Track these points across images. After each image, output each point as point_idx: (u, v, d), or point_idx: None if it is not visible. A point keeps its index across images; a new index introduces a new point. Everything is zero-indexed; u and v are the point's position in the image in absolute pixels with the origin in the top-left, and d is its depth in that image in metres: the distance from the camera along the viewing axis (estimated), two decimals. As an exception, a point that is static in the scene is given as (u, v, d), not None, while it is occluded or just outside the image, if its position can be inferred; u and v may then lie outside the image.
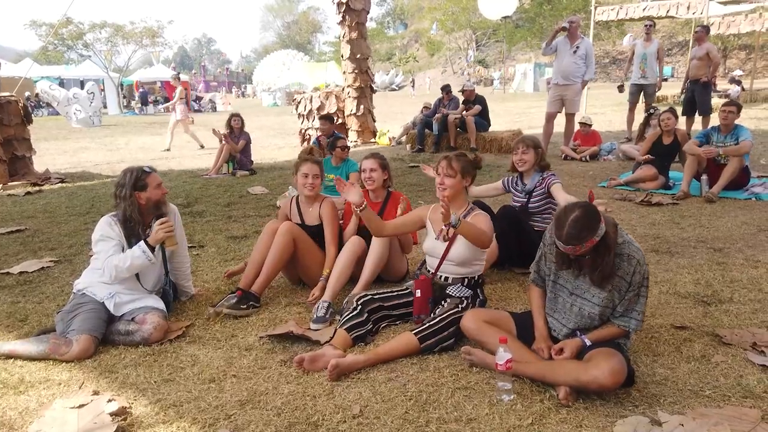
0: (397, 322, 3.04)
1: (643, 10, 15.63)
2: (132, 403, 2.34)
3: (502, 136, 9.73)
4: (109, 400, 2.27)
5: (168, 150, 12.05)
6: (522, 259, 3.61)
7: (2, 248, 4.83)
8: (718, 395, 2.27)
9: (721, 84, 20.68)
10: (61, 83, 27.21)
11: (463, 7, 47.48)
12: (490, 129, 10.19)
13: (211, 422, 2.20)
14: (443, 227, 2.75)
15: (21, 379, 2.58)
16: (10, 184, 7.99)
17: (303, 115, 12.12)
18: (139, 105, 32.19)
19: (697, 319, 2.99)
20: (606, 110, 16.68)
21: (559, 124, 8.75)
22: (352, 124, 11.76)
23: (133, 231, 3.05)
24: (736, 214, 5.12)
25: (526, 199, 3.88)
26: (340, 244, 3.49)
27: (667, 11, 15.27)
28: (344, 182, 2.91)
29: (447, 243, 2.89)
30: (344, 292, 3.35)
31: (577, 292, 2.44)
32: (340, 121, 11.34)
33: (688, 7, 14.83)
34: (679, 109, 8.09)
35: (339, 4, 11.38)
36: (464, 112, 9.81)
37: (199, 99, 34.76)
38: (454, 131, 9.85)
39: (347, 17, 11.34)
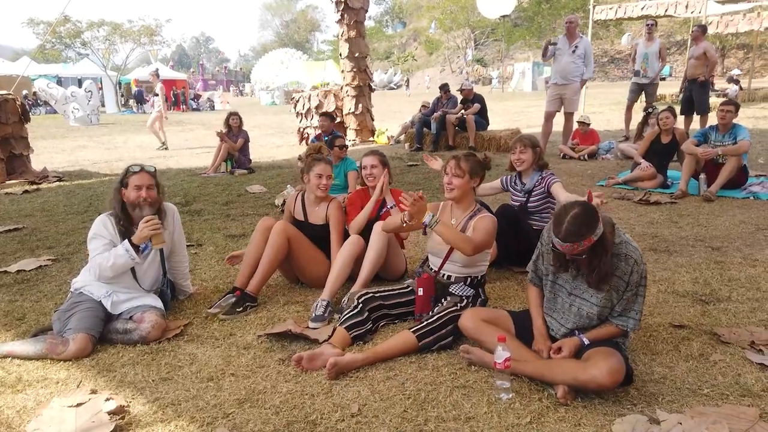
0: (396, 321, 3.03)
1: (642, 9, 15.63)
2: (130, 402, 2.33)
3: (500, 135, 9.72)
4: (107, 399, 2.27)
5: (165, 148, 12.04)
6: (520, 258, 3.61)
7: (0, 247, 4.82)
8: (717, 394, 2.27)
9: (720, 83, 20.71)
10: (59, 82, 27.15)
11: (462, 6, 47.50)
12: (489, 128, 10.19)
13: (209, 421, 2.19)
14: (422, 223, 2.78)
15: (19, 377, 2.57)
16: (7, 182, 7.97)
17: (301, 114, 12.11)
18: (135, 104, 32.11)
19: (695, 318, 2.99)
20: (604, 109, 16.70)
21: (558, 123, 8.76)
22: (351, 122, 11.75)
23: (128, 230, 3.03)
24: (734, 213, 5.12)
25: (525, 199, 3.88)
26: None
27: (666, 10, 15.27)
28: (410, 195, 2.80)
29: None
30: (343, 290, 3.35)
31: (576, 292, 2.44)
32: (338, 119, 11.33)
33: (687, 6, 14.84)
34: (677, 108, 8.10)
35: (338, 3, 11.36)
36: (463, 111, 9.81)
37: (197, 97, 34.72)
38: (452, 130, 9.85)
39: (346, 16, 11.32)
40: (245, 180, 7.79)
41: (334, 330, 2.83)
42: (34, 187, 7.76)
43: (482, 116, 9.94)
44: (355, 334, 2.78)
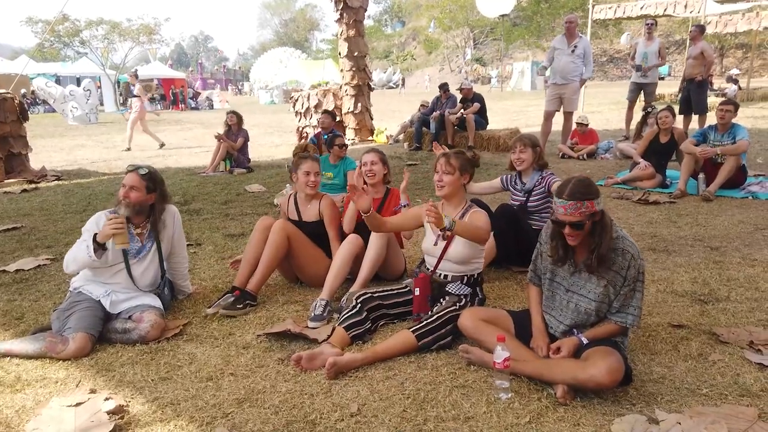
0: (395, 321, 3.03)
1: (641, 8, 15.64)
2: (129, 402, 2.33)
3: (499, 134, 9.73)
4: (106, 399, 2.26)
5: (163, 145, 12.08)
6: (520, 258, 3.61)
7: (-2, 246, 4.81)
8: (715, 394, 2.27)
9: (718, 83, 20.73)
10: (58, 80, 27.08)
11: (461, 5, 47.46)
12: (488, 127, 10.19)
13: (208, 420, 2.19)
14: (439, 232, 2.73)
15: (18, 377, 2.57)
16: (6, 181, 7.96)
17: (300, 113, 12.11)
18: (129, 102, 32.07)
19: (694, 318, 2.99)
20: (603, 108, 16.70)
21: (557, 122, 8.76)
22: (350, 122, 11.75)
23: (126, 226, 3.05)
24: (732, 213, 5.13)
25: (525, 198, 3.88)
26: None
27: (665, 10, 15.28)
28: (358, 189, 2.86)
29: (445, 242, 2.89)
30: (342, 290, 3.35)
31: (574, 288, 2.44)
32: (338, 119, 11.32)
33: (686, 6, 14.85)
34: (676, 108, 8.11)
35: (337, 2, 11.35)
36: (462, 111, 9.81)
37: (196, 96, 34.67)
38: (451, 129, 9.85)
39: (345, 15, 11.31)
40: (244, 179, 7.79)
41: (333, 330, 2.83)
42: (33, 186, 7.75)
43: (481, 116, 9.94)
44: (353, 333, 2.78)
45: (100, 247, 2.87)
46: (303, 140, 10.51)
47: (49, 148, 12.52)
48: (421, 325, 2.69)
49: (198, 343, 2.88)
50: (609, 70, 44.38)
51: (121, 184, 3.05)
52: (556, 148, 8.81)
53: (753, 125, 10.91)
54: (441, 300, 2.91)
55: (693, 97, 9.19)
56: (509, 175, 4.08)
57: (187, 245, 3.81)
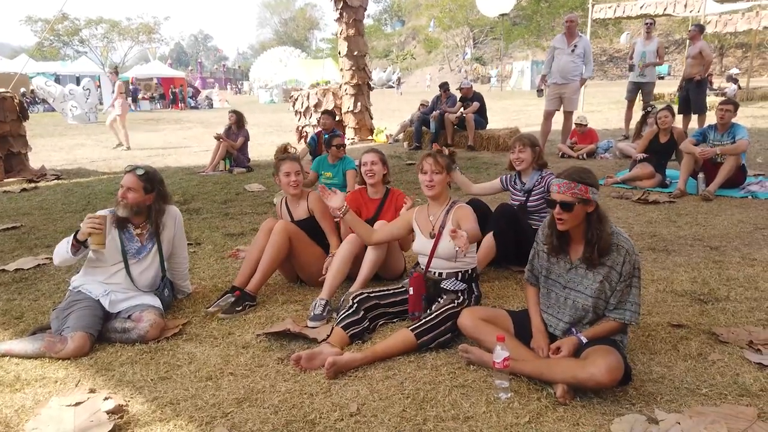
0: (395, 320, 3.03)
1: (641, 8, 15.64)
2: (128, 401, 2.33)
3: (499, 134, 9.72)
4: (106, 398, 2.26)
5: (122, 146, 11.89)
6: (520, 258, 3.59)
7: (-2, 245, 4.81)
8: (715, 393, 2.27)
9: (718, 82, 20.72)
10: (57, 79, 27.07)
11: (461, 4, 47.46)
12: (488, 127, 10.19)
13: (207, 420, 2.19)
14: (457, 249, 2.65)
15: (17, 376, 2.57)
16: (5, 180, 7.94)
17: (300, 112, 12.10)
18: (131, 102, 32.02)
19: (693, 318, 2.99)
20: (603, 108, 16.70)
21: (557, 122, 8.76)
22: (350, 121, 11.75)
23: (124, 226, 3.06)
24: (732, 213, 5.13)
25: (524, 198, 3.88)
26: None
27: (665, 9, 15.28)
28: (327, 191, 3.07)
29: (433, 240, 2.90)
30: (342, 290, 3.35)
31: (570, 285, 2.45)
32: (337, 118, 11.32)
33: (685, 6, 14.85)
34: (675, 107, 8.11)
35: (336, 1, 11.34)
36: (462, 110, 9.81)
37: (195, 95, 34.65)
38: (451, 129, 9.85)
39: (345, 14, 11.31)
40: (244, 178, 7.79)
41: (333, 329, 2.83)
42: (32, 185, 7.74)
43: (481, 115, 9.94)
44: (352, 332, 2.78)
45: (80, 244, 2.87)
46: (304, 139, 10.49)
47: (48, 148, 12.51)
48: (420, 323, 2.69)
49: (197, 343, 2.88)
50: (609, 70, 44.37)
51: (120, 183, 3.06)
52: (555, 147, 8.82)
53: (753, 125, 10.91)
54: (438, 298, 2.92)
55: (692, 96, 9.19)
56: (509, 175, 4.08)
57: (187, 245, 3.81)
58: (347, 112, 11.73)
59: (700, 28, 9.45)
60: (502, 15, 29.48)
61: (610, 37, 42.64)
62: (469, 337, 2.64)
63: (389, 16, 76.18)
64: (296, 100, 12.28)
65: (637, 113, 8.86)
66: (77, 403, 2.23)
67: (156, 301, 3.08)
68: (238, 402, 2.31)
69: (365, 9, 11.81)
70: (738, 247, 4.15)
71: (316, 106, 11.69)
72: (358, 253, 3.33)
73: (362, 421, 2.15)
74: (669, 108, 6.52)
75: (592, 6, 15.69)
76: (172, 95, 32.69)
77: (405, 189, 6.22)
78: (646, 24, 9.81)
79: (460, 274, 2.97)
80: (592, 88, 23.39)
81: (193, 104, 32.68)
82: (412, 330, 2.66)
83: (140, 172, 3.03)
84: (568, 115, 8.60)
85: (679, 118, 8.70)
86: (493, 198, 4.77)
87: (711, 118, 7.07)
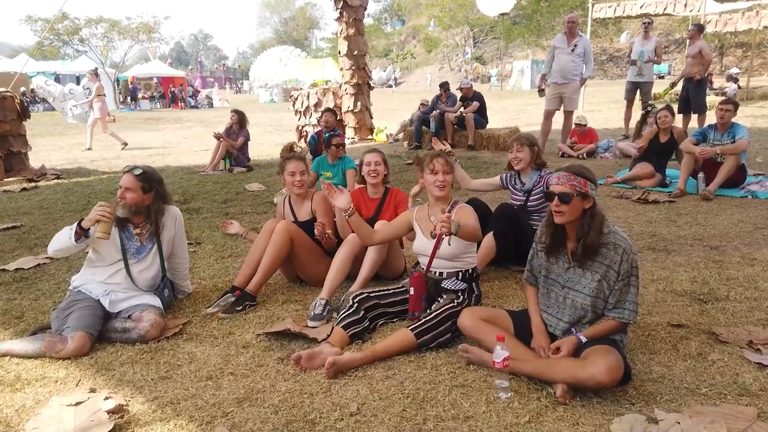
0: (395, 320, 3.04)
1: (641, 7, 15.63)
2: (129, 401, 2.34)
3: (499, 133, 9.72)
4: (106, 398, 2.27)
5: (90, 149, 11.83)
6: (520, 258, 3.58)
7: (-2, 245, 4.81)
8: (715, 393, 2.28)
9: (718, 82, 20.70)
10: (57, 79, 27.03)
11: (461, 4, 47.40)
12: (488, 126, 10.19)
13: (208, 420, 2.19)
14: (444, 237, 2.70)
15: (17, 376, 2.57)
16: (5, 180, 7.95)
17: (300, 112, 12.09)
18: (130, 101, 31.99)
19: (693, 317, 3.00)
20: (603, 107, 16.69)
21: (557, 121, 8.76)
22: (350, 120, 11.74)
23: (123, 226, 3.07)
24: (732, 212, 5.13)
25: (524, 198, 3.88)
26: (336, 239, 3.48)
27: (665, 9, 15.28)
28: (334, 188, 3.05)
29: (435, 240, 2.90)
30: (342, 289, 3.35)
31: (569, 284, 2.45)
32: (338, 117, 11.32)
33: (685, 5, 14.85)
34: (675, 107, 8.10)
35: (336, 0, 11.34)
36: (462, 110, 9.81)
37: (195, 95, 34.63)
38: (451, 128, 9.85)
39: (345, 13, 11.30)
40: (244, 178, 7.79)
41: (333, 329, 2.83)
42: (32, 184, 7.75)
43: (481, 114, 9.94)
44: (352, 332, 2.78)
45: (83, 232, 2.88)
46: (304, 138, 10.51)
47: (48, 147, 12.52)
48: (420, 323, 2.69)
49: (198, 343, 2.88)
50: (609, 69, 44.32)
51: (119, 184, 3.06)
52: (555, 147, 8.81)
53: (752, 124, 10.91)
54: (438, 298, 2.92)
55: (692, 96, 9.18)
56: (509, 174, 4.08)
57: (187, 244, 3.81)
58: (347, 111, 11.73)
59: (700, 28, 9.45)
60: (502, 14, 29.48)
61: (610, 36, 42.59)
62: (469, 337, 2.65)
63: (389, 16, 76.11)
64: (296, 99, 12.28)
65: (637, 112, 8.86)
66: (78, 403, 2.23)
67: (156, 301, 3.08)
68: (238, 402, 2.31)
69: (365, 8, 11.80)
70: (738, 247, 4.15)
71: (316, 105, 11.68)
72: (358, 253, 3.33)
73: (362, 420, 2.16)
74: (669, 108, 6.52)
75: (592, 5, 15.68)
76: (171, 95, 32.67)
77: (405, 188, 6.21)
78: (644, 23, 9.83)
79: (460, 273, 2.97)
80: (592, 88, 23.37)
81: (193, 103, 32.67)
82: (412, 330, 2.66)
83: (138, 171, 3.03)
84: (568, 114, 8.60)
85: (678, 118, 8.70)
86: (492, 198, 4.77)
87: (711, 117, 7.06)
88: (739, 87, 17.42)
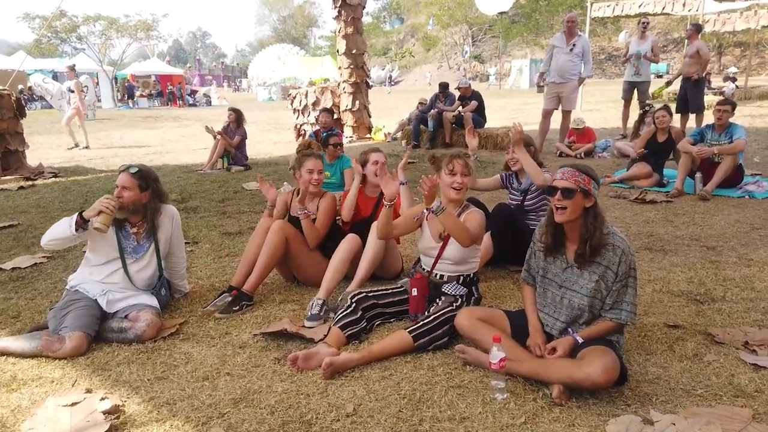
0: (392, 320, 3.04)
1: (639, 6, 15.64)
2: (125, 401, 2.33)
3: (497, 132, 9.72)
4: (102, 398, 2.26)
5: (79, 146, 11.78)
6: (517, 258, 3.59)
7: (-5, 244, 4.80)
8: (710, 394, 2.28)
9: (716, 81, 20.73)
10: (55, 76, 27.00)
11: (460, 3, 47.40)
12: (486, 125, 10.19)
13: (204, 420, 2.19)
14: (424, 210, 2.77)
15: (13, 376, 2.57)
16: (2, 178, 7.94)
17: (298, 110, 12.09)
18: (128, 99, 31.92)
19: (689, 318, 3.00)
20: (601, 107, 16.70)
21: (556, 121, 8.76)
22: (348, 119, 11.74)
23: (121, 225, 3.07)
24: (729, 212, 5.14)
25: (521, 198, 3.89)
26: (335, 238, 3.47)
27: (663, 8, 15.29)
28: (386, 173, 3.03)
29: (442, 242, 2.90)
30: (339, 289, 3.35)
31: (566, 284, 2.45)
32: (336, 116, 11.32)
33: (684, 4, 14.86)
34: (673, 107, 8.11)
35: (335, -1, 11.33)
36: (460, 109, 9.80)
37: (193, 93, 34.57)
38: (449, 127, 9.84)
39: (343, 12, 11.29)
40: (242, 177, 7.78)
41: (330, 329, 2.83)
42: (30, 183, 7.73)
43: (479, 114, 9.94)
44: (349, 333, 2.78)
45: (84, 223, 2.88)
46: (302, 137, 10.53)
47: (46, 145, 12.49)
48: (417, 325, 2.69)
49: (194, 343, 2.88)
50: (607, 68, 44.36)
51: (115, 183, 3.06)
52: (554, 146, 8.82)
53: (750, 124, 10.93)
54: (437, 300, 2.92)
55: (689, 95, 9.19)
56: (507, 173, 4.09)
57: (185, 243, 3.80)
58: (345, 110, 11.72)
59: (698, 28, 9.46)
60: (501, 13, 29.40)
61: (608, 35, 42.59)
62: (466, 337, 2.65)
63: (388, 14, 76.02)
64: (294, 98, 12.27)
65: (635, 112, 8.86)
66: (74, 403, 2.23)
67: (153, 301, 3.08)
68: (234, 402, 2.31)
69: (364, 7, 11.80)
70: (735, 247, 4.16)
71: (315, 104, 11.68)
72: (356, 253, 3.33)
73: (358, 421, 2.16)
74: (666, 108, 6.52)
75: (591, 5, 15.68)
76: (169, 93, 32.59)
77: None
78: (642, 23, 9.83)
79: (462, 277, 2.96)
80: (590, 87, 23.38)
81: (191, 102, 32.61)
82: (410, 332, 2.66)
83: (134, 170, 3.03)
84: (566, 114, 8.61)
85: (676, 118, 8.70)
86: (490, 197, 4.78)
87: (709, 117, 7.07)
88: (737, 86, 17.45)
